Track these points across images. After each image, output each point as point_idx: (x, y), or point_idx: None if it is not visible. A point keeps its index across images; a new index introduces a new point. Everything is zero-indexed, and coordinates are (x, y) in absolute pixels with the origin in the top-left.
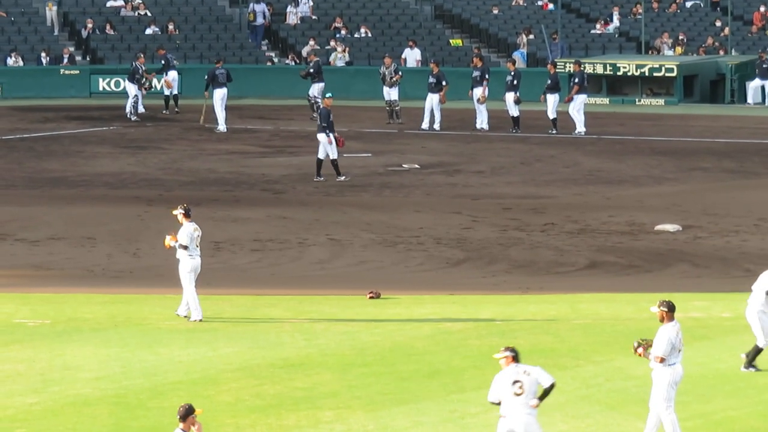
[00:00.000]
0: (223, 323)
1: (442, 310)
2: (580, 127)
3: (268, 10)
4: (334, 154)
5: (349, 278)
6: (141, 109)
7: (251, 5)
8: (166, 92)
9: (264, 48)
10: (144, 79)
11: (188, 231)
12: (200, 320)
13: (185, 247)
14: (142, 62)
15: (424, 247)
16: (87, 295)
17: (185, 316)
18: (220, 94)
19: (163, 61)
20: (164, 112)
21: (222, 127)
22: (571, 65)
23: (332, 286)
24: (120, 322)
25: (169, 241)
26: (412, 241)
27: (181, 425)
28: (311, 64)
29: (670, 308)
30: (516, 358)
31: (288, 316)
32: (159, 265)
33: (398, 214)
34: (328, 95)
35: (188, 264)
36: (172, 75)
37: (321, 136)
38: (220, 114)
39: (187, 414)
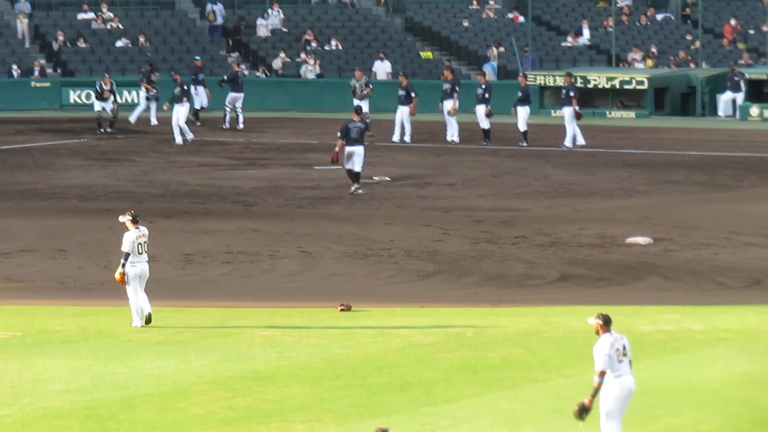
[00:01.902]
0: (194, 335)
1: (413, 323)
2: (569, 142)
3: (241, 24)
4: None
5: (320, 291)
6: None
7: (209, 5)
8: (197, 105)
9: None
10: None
11: (131, 238)
12: (140, 326)
13: (127, 255)
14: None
15: (395, 260)
16: (58, 307)
17: (141, 325)
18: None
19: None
20: (197, 123)
21: (189, 136)
22: (563, 78)
23: (303, 298)
24: (91, 335)
25: (118, 276)
26: (383, 254)
27: None
28: (228, 73)
29: (606, 321)
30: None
31: (259, 328)
32: None
33: (369, 227)
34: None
35: (130, 272)
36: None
37: (357, 149)
38: (185, 126)
39: None
